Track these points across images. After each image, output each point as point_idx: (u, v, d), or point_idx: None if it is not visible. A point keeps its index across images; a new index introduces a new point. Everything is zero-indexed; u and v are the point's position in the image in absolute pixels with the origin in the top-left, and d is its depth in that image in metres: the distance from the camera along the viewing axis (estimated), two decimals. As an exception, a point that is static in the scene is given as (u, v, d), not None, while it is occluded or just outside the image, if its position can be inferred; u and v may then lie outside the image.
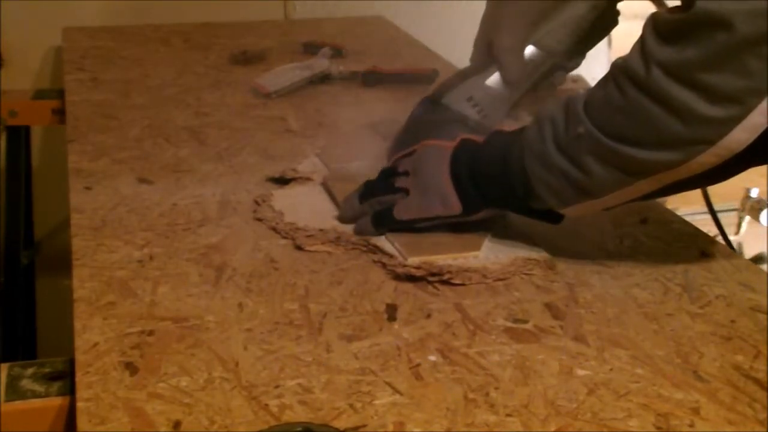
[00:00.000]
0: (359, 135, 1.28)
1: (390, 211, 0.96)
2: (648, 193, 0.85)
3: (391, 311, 0.84)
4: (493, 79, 1.06)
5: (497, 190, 0.91)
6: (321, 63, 1.56)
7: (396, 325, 0.82)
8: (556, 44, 1.06)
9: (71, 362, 0.76)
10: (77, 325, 0.80)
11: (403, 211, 0.95)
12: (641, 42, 0.79)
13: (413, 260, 0.91)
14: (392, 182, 0.98)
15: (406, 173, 0.97)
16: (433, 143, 0.97)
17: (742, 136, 0.75)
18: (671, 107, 0.76)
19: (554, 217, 0.92)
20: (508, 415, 0.70)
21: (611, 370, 0.76)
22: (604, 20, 1.08)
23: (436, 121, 1.06)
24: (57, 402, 0.74)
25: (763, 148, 0.78)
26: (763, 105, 0.74)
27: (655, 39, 0.77)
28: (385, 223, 0.96)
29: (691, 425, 0.69)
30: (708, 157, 0.78)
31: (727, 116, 0.75)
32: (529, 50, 1.06)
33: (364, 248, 0.95)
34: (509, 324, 0.83)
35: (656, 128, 0.78)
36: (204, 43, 1.79)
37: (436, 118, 1.07)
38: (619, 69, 0.81)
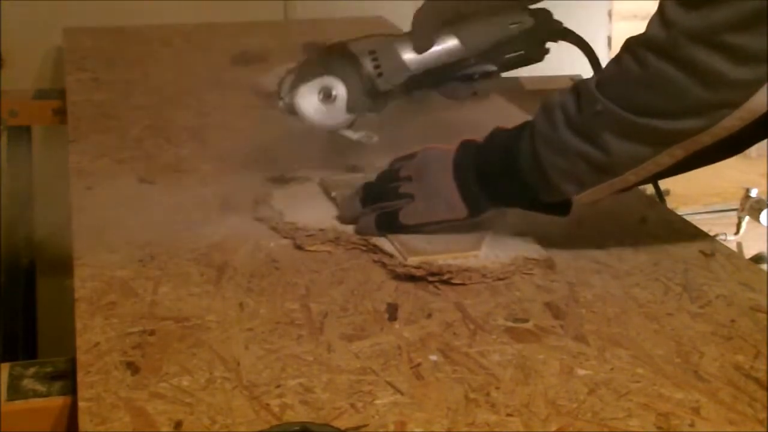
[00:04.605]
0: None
1: (395, 215, 0.95)
2: (667, 168, 0.85)
3: (392, 311, 0.84)
4: (403, 45, 1.05)
5: (504, 188, 0.92)
6: (321, 63, 1.56)
7: (397, 325, 0.82)
8: (475, 43, 1.06)
9: (72, 362, 0.76)
10: (78, 324, 0.80)
11: (410, 216, 0.95)
12: (660, 13, 0.80)
13: (413, 260, 0.91)
14: (395, 187, 0.97)
15: (408, 178, 0.97)
16: (434, 147, 0.97)
17: (766, 97, 0.76)
18: (696, 72, 0.77)
19: (562, 209, 0.92)
20: (508, 414, 0.70)
21: (612, 369, 0.76)
22: (529, 46, 1.09)
23: (332, 58, 1.05)
24: (58, 402, 0.74)
25: None
26: None
27: (677, 7, 0.78)
28: (390, 227, 0.96)
29: (692, 425, 0.69)
30: (731, 121, 0.78)
31: (753, 77, 0.76)
32: (449, 39, 1.06)
33: (365, 248, 0.95)
34: (510, 324, 0.83)
35: (680, 95, 0.79)
36: (204, 44, 1.79)
37: (333, 54, 1.05)
38: (636, 42, 0.82)
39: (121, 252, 0.94)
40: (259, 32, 1.89)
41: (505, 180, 0.91)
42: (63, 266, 0.97)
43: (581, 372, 0.76)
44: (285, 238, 0.98)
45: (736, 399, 0.72)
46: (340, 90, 1.04)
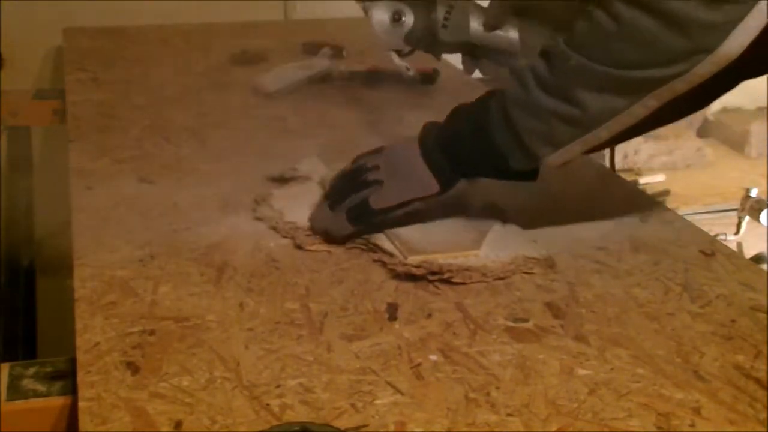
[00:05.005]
0: (359, 135, 1.28)
1: (366, 203, 0.94)
2: (640, 120, 0.85)
3: (392, 311, 0.84)
4: (476, 14, 1.12)
5: (474, 157, 0.92)
6: (321, 63, 1.56)
7: (397, 325, 0.82)
8: (531, 44, 1.09)
9: (72, 362, 0.76)
10: (78, 324, 0.80)
11: (381, 200, 0.94)
12: None
13: (413, 259, 0.91)
14: (363, 180, 0.96)
15: (376, 167, 0.96)
16: (400, 140, 0.98)
17: (738, 40, 0.77)
18: (669, 19, 0.78)
19: (530, 175, 0.93)
20: (509, 414, 0.70)
21: (612, 369, 0.76)
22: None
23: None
24: (58, 402, 0.74)
25: (753, 60, 0.79)
26: (762, 4, 0.75)
27: None
28: (362, 216, 0.94)
29: (692, 425, 0.69)
30: (706, 67, 0.79)
31: (727, 20, 0.77)
32: (512, 31, 1.11)
33: (365, 247, 0.95)
34: (510, 323, 0.83)
35: (653, 44, 0.79)
36: (204, 44, 1.78)
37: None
38: None
39: (121, 252, 0.94)
40: (259, 32, 1.88)
41: (475, 149, 0.91)
42: (63, 266, 0.97)
43: (581, 372, 0.76)
44: (285, 237, 0.97)
45: (736, 399, 0.72)
46: (408, 19, 1.14)
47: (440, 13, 1.13)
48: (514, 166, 0.91)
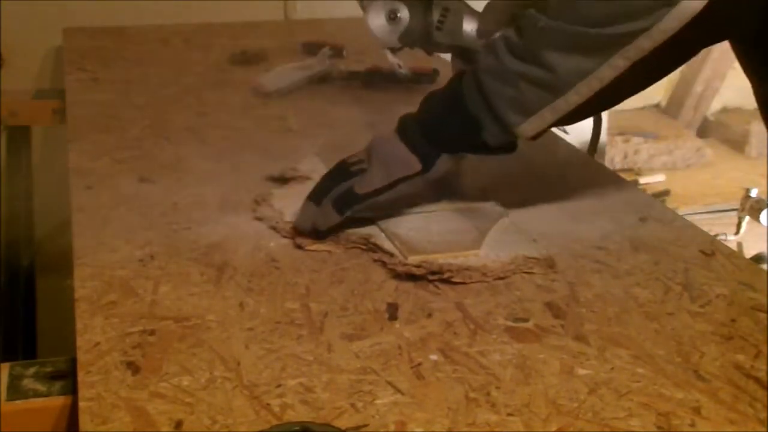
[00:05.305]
0: (359, 135, 1.28)
1: (351, 190, 0.94)
2: (612, 85, 0.85)
3: (392, 310, 0.84)
4: (470, 19, 1.14)
5: (448, 130, 0.93)
6: (321, 63, 1.56)
7: (397, 325, 0.82)
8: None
9: (73, 362, 0.76)
10: (79, 324, 0.80)
11: (365, 185, 0.94)
12: None
13: (414, 259, 0.91)
14: (347, 172, 0.96)
15: (360, 161, 0.96)
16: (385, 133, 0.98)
17: None
18: None
19: (508, 148, 0.94)
20: (509, 414, 0.70)
21: (612, 369, 0.76)
22: None
23: None
24: (59, 401, 0.74)
25: (717, 18, 0.81)
26: None
27: None
28: (347, 203, 0.94)
29: (692, 425, 0.69)
30: (669, 21, 0.80)
31: None
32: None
33: (365, 247, 0.95)
34: (510, 323, 0.83)
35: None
36: (204, 44, 1.78)
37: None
38: None
39: (121, 252, 0.94)
40: (259, 32, 1.89)
41: (449, 121, 0.93)
42: (63, 266, 0.97)
43: (582, 372, 0.76)
44: (285, 237, 0.98)
45: (736, 399, 0.72)
46: (404, 18, 1.16)
47: (435, 15, 1.15)
48: (486, 138, 0.92)
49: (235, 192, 1.08)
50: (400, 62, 1.21)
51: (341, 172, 0.97)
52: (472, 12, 1.15)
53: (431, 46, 1.18)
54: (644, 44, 0.82)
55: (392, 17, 1.15)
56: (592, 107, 0.88)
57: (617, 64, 0.84)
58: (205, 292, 0.87)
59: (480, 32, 1.12)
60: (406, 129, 0.95)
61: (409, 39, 1.17)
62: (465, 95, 0.91)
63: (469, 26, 1.14)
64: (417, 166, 0.94)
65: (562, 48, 0.85)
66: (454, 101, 0.92)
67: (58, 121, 1.60)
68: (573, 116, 0.89)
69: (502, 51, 0.88)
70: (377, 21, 1.17)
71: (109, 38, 1.81)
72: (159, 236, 0.97)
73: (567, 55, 0.85)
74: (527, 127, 0.90)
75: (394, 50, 1.20)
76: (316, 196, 0.96)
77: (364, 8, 1.20)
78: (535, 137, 0.92)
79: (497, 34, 0.92)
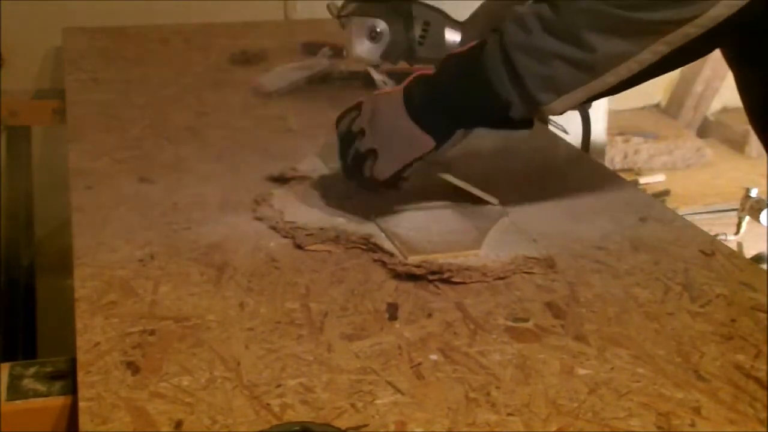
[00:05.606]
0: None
1: (371, 179, 0.96)
2: (649, 67, 0.84)
3: (392, 310, 0.84)
4: (452, 30, 1.16)
5: (469, 107, 0.91)
6: (321, 63, 1.56)
7: (397, 325, 0.82)
8: None
9: (73, 362, 0.76)
10: (79, 324, 0.80)
11: (380, 172, 0.95)
12: None
13: (414, 259, 0.91)
14: (355, 149, 0.96)
15: (362, 132, 0.96)
16: (380, 93, 0.98)
17: None
18: None
19: (525, 123, 0.93)
20: (509, 414, 0.70)
21: (612, 369, 0.76)
22: None
23: (394, 8, 1.18)
24: (59, 401, 0.74)
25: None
26: None
27: None
28: (370, 189, 0.99)
29: (692, 425, 0.69)
30: (720, 10, 0.79)
31: None
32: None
33: (365, 247, 0.95)
34: (510, 323, 0.83)
35: None
36: (204, 44, 1.79)
37: (397, 7, 1.18)
38: None
39: (121, 252, 0.93)
40: (259, 32, 1.89)
41: (470, 97, 0.91)
42: (63, 266, 0.97)
43: (582, 372, 0.76)
44: (285, 237, 0.97)
45: (736, 399, 0.72)
46: (385, 37, 1.18)
47: (417, 30, 1.16)
48: (513, 114, 0.90)
49: (235, 192, 1.08)
50: (385, 79, 1.20)
51: (347, 144, 0.98)
52: (454, 23, 1.14)
53: (415, 61, 1.18)
54: (690, 31, 0.81)
55: (373, 36, 1.16)
56: (621, 87, 0.87)
57: (659, 49, 0.82)
58: (205, 292, 0.87)
59: (464, 42, 1.12)
60: (416, 107, 0.92)
61: (391, 56, 1.17)
62: (489, 69, 0.88)
63: (452, 37, 1.14)
64: (430, 143, 0.93)
65: (604, 29, 0.83)
66: (475, 76, 0.89)
67: (58, 121, 1.60)
68: (601, 95, 0.88)
69: (536, 27, 0.85)
70: (358, 42, 1.18)
71: (109, 38, 1.81)
72: (159, 236, 0.97)
73: (608, 37, 0.83)
74: (557, 105, 0.88)
75: (377, 67, 1.19)
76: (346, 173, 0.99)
77: (343, 26, 1.21)
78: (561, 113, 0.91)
79: (527, 8, 0.88)
